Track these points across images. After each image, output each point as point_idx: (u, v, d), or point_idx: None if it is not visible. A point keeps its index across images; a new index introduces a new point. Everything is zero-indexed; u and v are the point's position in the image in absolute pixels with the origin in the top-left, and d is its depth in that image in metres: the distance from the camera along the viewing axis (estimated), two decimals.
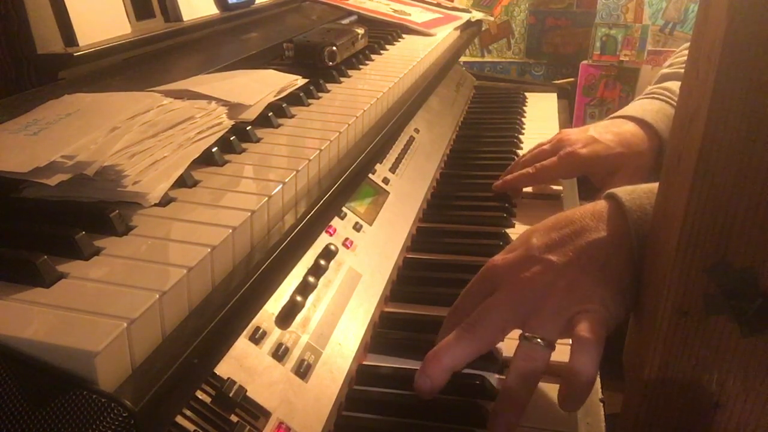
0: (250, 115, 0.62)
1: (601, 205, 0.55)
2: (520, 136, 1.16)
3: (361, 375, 0.58)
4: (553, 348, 0.50)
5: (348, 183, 0.63)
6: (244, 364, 0.47)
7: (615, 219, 0.54)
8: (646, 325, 0.48)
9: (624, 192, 0.54)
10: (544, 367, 0.50)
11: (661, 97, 0.92)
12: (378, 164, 0.82)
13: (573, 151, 0.86)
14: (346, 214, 0.70)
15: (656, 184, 0.51)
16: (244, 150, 0.59)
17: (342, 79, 0.85)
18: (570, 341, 0.49)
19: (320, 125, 0.66)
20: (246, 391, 0.45)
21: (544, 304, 0.51)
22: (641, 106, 0.92)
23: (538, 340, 0.50)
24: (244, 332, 0.48)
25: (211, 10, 0.95)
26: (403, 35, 1.18)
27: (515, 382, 0.49)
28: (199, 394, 0.42)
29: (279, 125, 0.66)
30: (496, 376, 0.57)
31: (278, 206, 0.52)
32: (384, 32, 1.14)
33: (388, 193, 0.80)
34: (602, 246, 0.52)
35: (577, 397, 0.48)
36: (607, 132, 0.88)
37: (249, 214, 0.46)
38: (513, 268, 0.54)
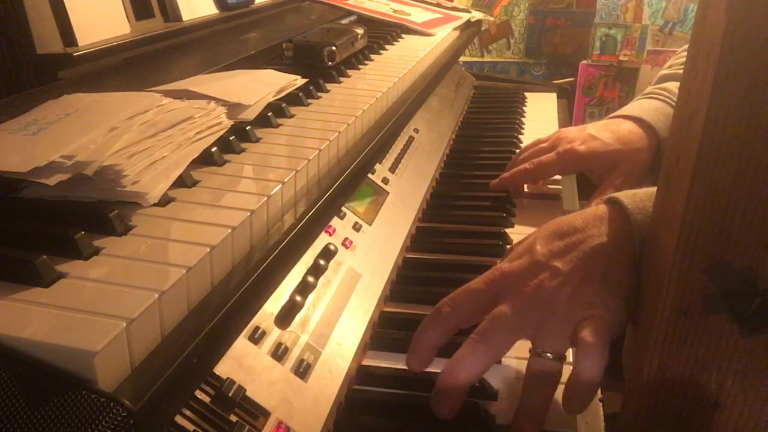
0: (250, 115, 0.62)
1: (602, 210, 0.56)
2: (520, 136, 1.16)
3: (360, 375, 0.58)
4: (564, 359, 0.50)
5: (347, 183, 0.63)
6: (244, 363, 0.47)
7: (617, 223, 0.54)
8: (645, 325, 0.48)
9: (625, 196, 0.55)
10: (557, 379, 0.50)
11: (659, 96, 0.92)
12: (377, 164, 0.82)
13: (571, 148, 0.87)
14: (345, 214, 0.70)
15: (655, 188, 0.51)
16: (243, 150, 0.59)
17: (341, 79, 0.85)
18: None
19: (320, 125, 0.66)
20: (245, 390, 0.45)
21: (551, 314, 0.51)
22: (639, 106, 0.92)
23: (549, 354, 0.50)
24: (244, 332, 0.48)
25: (210, 9, 0.95)
26: (403, 35, 1.18)
27: (531, 399, 0.50)
28: (199, 394, 0.42)
29: (278, 125, 0.66)
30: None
31: (277, 206, 0.52)
32: (384, 32, 1.14)
33: (388, 192, 0.80)
34: (605, 252, 0.53)
35: (582, 400, 0.49)
36: (605, 130, 0.89)
37: (248, 213, 0.46)
38: (520, 275, 0.54)
